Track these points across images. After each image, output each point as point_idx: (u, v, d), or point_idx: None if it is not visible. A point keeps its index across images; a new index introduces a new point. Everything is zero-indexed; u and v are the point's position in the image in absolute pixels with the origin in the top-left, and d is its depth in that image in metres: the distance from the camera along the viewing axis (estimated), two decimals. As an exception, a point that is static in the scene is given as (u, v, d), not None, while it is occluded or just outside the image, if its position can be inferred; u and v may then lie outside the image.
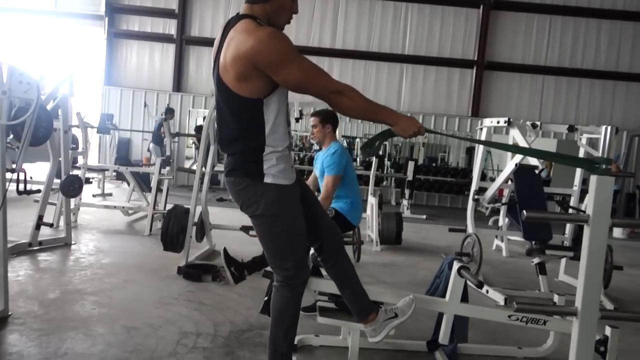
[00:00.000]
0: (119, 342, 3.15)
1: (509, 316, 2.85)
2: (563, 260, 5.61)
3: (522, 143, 5.33)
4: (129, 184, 8.42)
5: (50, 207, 5.72)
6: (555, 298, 3.23)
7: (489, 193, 5.83)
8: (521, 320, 2.82)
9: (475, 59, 13.36)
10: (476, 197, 5.76)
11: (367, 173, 9.13)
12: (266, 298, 3.27)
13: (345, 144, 12.79)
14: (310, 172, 4.44)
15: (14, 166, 4.29)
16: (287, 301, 2.44)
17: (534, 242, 4.72)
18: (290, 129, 2.43)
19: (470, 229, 5.63)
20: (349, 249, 4.75)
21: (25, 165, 4.51)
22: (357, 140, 13.70)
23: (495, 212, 8.17)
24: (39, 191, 5.28)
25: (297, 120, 6.84)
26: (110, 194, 9.69)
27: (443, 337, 3.00)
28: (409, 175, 10.38)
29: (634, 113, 13.37)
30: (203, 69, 13.64)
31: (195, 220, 5.19)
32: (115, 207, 7.43)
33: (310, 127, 4.20)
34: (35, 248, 5.20)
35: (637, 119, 13.16)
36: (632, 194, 10.27)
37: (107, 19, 13.46)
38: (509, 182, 5.78)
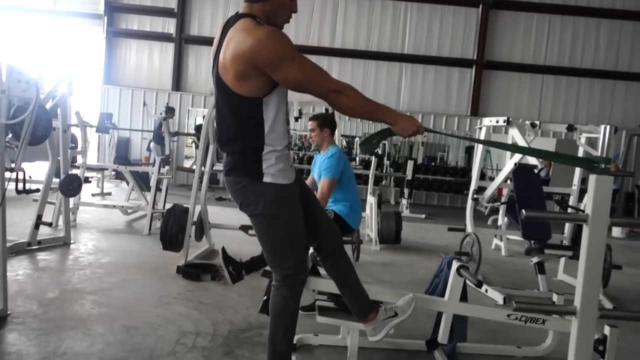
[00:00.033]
0: (118, 342, 3.15)
1: (508, 315, 2.85)
2: (562, 260, 5.61)
3: (521, 142, 5.33)
4: (128, 183, 8.41)
5: (49, 206, 5.71)
6: (554, 297, 3.23)
7: (488, 192, 5.84)
8: (520, 320, 2.82)
9: (475, 58, 13.36)
10: (475, 196, 5.76)
11: (366, 172, 9.15)
12: (265, 297, 3.27)
13: (344, 143, 12.79)
14: (309, 171, 4.44)
15: (13, 165, 4.28)
16: (286, 300, 2.44)
17: (533, 242, 4.72)
18: (289, 128, 2.43)
19: (469, 228, 5.63)
20: (348, 248, 4.75)
21: (24, 165, 4.51)
22: (357, 139, 13.70)
23: (495, 211, 8.19)
24: (38, 190, 5.27)
25: (296, 119, 6.83)
26: (110, 193, 9.70)
27: (442, 336, 3.00)
28: (408, 175, 10.38)
29: (633, 112, 13.37)
30: (202, 68, 13.63)
31: (195, 219, 5.19)
32: (114, 206, 7.42)
33: (309, 130, 4.20)
34: (34, 247, 5.20)
35: (636, 118, 13.17)
36: (631, 193, 10.28)
37: (106, 17, 13.45)
38: (508, 182, 5.78)
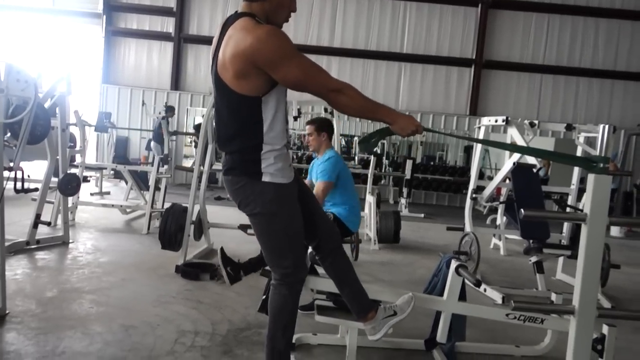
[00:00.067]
0: (117, 341, 3.14)
1: (507, 315, 2.85)
2: (560, 259, 5.62)
3: (520, 142, 5.33)
4: (126, 183, 8.41)
5: (48, 205, 5.71)
6: (553, 297, 3.23)
7: (487, 192, 5.84)
8: (519, 319, 2.82)
9: (474, 57, 13.36)
10: (474, 195, 5.77)
11: (365, 172, 9.14)
12: (264, 297, 3.27)
13: (343, 142, 12.79)
14: (308, 170, 4.44)
15: (11, 164, 4.28)
16: (285, 299, 2.44)
17: (531, 241, 4.73)
18: (288, 127, 2.43)
19: (468, 227, 5.63)
20: (347, 248, 4.75)
21: (22, 164, 4.50)
22: (355, 138, 13.71)
23: (493, 210, 8.20)
24: (36, 189, 5.27)
25: (295, 118, 6.83)
26: (108, 193, 9.69)
27: (441, 335, 3.01)
28: (407, 174, 10.39)
29: (632, 112, 13.38)
30: (201, 67, 13.62)
31: (193, 218, 5.18)
32: (113, 205, 7.41)
33: (306, 134, 4.21)
34: (32, 246, 5.19)
35: (634, 117, 13.18)
36: (629, 193, 10.31)
37: (105, 17, 13.44)
38: (507, 181, 5.79)
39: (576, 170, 6.02)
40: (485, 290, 4.31)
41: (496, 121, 5.57)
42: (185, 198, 5.64)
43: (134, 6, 13.61)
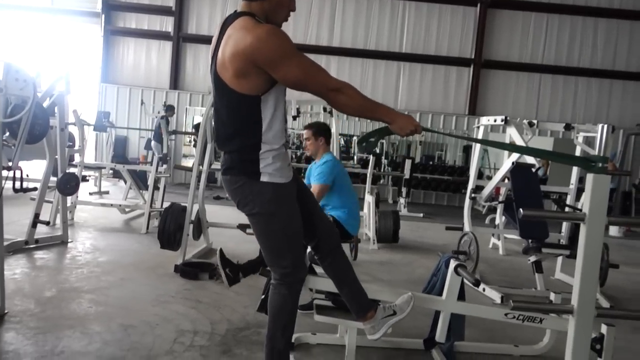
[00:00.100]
0: (116, 341, 3.14)
1: (506, 314, 2.85)
2: (559, 259, 5.63)
3: (519, 141, 5.34)
4: (125, 182, 8.40)
5: (47, 205, 5.70)
6: (552, 296, 3.23)
7: (486, 191, 5.85)
8: (517, 319, 2.82)
9: (473, 57, 13.37)
10: (473, 195, 5.77)
11: (364, 171, 9.14)
12: (263, 296, 3.27)
13: (342, 142, 12.79)
14: (307, 169, 4.45)
15: (10, 164, 4.27)
16: (285, 299, 2.44)
17: (530, 241, 4.73)
18: (287, 127, 2.43)
19: (467, 227, 5.64)
20: (346, 247, 4.74)
21: (21, 163, 4.49)
22: (354, 138, 13.71)
23: (492, 210, 8.20)
24: (35, 189, 5.27)
25: (294, 118, 6.84)
26: (107, 192, 9.68)
27: (440, 335, 3.01)
28: (406, 174, 10.39)
29: (631, 112, 13.40)
30: (200, 67, 13.61)
31: (193, 218, 5.18)
32: (112, 205, 7.41)
33: (304, 139, 4.22)
34: (31, 246, 5.19)
35: (633, 117, 13.19)
36: (628, 193, 10.31)
37: (103, 16, 13.43)
38: (506, 181, 5.80)
39: (575, 170, 6.03)
40: (484, 289, 4.32)
41: (495, 121, 5.57)
42: (185, 197, 5.63)
43: (133, 5, 13.60)
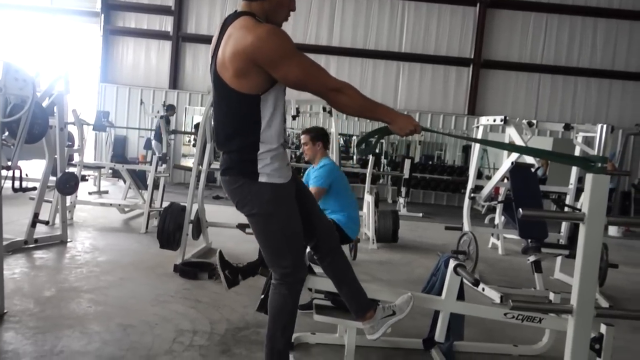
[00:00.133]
0: (115, 340, 3.14)
1: (505, 314, 2.85)
2: (559, 259, 5.63)
3: (519, 141, 5.34)
4: (125, 182, 8.40)
5: (46, 204, 5.70)
6: (551, 296, 3.24)
7: (485, 191, 5.85)
8: (517, 318, 2.83)
9: (472, 57, 13.37)
10: (472, 195, 5.77)
11: (363, 171, 9.14)
12: (262, 296, 3.27)
13: (341, 141, 12.79)
14: (306, 169, 4.46)
15: (9, 163, 4.27)
16: (285, 299, 2.44)
17: (529, 240, 4.73)
18: (286, 127, 2.43)
19: (466, 227, 5.64)
20: (345, 247, 4.75)
21: (20, 163, 4.50)
22: (354, 137, 13.71)
23: (491, 210, 8.20)
24: (34, 189, 5.27)
25: (293, 117, 6.83)
26: (106, 192, 9.68)
27: (439, 334, 3.01)
28: (406, 173, 10.39)
29: (630, 112, 13.41)
30: (199, 66, 13.61)
31: (192, 217, 5.18)
32: (111, 204, 7.41)
33: (302, 144, 4.23)
34: (31, 246, 5.18)
35: (632, 117, 13.20)
36: (627, 193, 10.32)
37: (103, 15, 13.43)
38: (505, 181, 5.80)
39: (574, 169, 6.03)
40: (483, 289, 4.33)
41: (494, 121, 5.57)
42: (184, 197, 5.63)
43: (132, 5, 13.60)
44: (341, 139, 12.85)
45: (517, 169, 5.20)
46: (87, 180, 7.77)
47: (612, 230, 9.48)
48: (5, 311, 3.39)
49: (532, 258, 4.84)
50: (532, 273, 4.93)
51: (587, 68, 13.36)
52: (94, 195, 9.04)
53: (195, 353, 3.06)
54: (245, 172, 2.29)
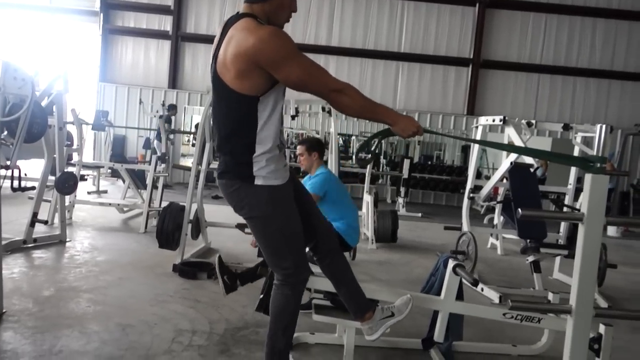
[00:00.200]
0: (114, 340, 3.14)
1: (504, 314, 2.86)
2: (557, 259, 5.63)
3: (518, 141, 5.34)
4: (124, 181, 8.39)
5: (45, 204, 5.70)
6: (550, 296, 3.24)
7: (484, 191, 5.85)
8: (516, 318, 2.83)
9: (471, 57, 13.37)
10: (471, 195, 5.77)
11: (362, 171, 9.14)
12: (262, 295, 3.27)
13: (341, 141, 12.79)
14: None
15: (8, 163, 4.27)
16: (287, 299, 2.44)
17: (528, 240, 4.73)
18: (283, 129, 2.43)
19: (465, 227, 5.64)
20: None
21: (19, 162, 4.49)
22: (353, 137, 13.71)
23: (491, 210, 8.21)
24: (33, 188, 5.26)
25: (292, 117, 6.83)
26: (105, 191, 9.67)
27: (438, 334, 3.01)
28: (405, 173, 10.40)
29: (629, 112, 13.42)
30: (199, 66, 13.60)
31: (191, 217, 5.18)
32: (110, 204, 7.40)
33: (298, 155, 4.26)
34: (29, 245, 5.18)
35: (631, 117, 13.21)
36: (626, 193, 10.31)
37: (102, 15, 13.41)
38: (504, 181, 5.80)
39: (573, 170, 6.04)
40: (482, 289, 4.33)
41: (493, 121, 5.58)
42: (183, 197, 5.63)
43: (132, 4, 13.58)
44: (340, 138, 12.86)
45: (516, 169, 5.21)
46: (86, 179, 7.76)
47: (611, 231, 9.49)
48: (4, 311, 3.38)
49: (531, 258, 4.84)
50: (531, 273, 4.94)
51: (586, 68, 13.37)
52: (93, 194, 9.03)
53: (194, 353, 3.06)
54: (242, 176, 2.29)
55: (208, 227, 5.80)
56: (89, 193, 9.01)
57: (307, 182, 4.09)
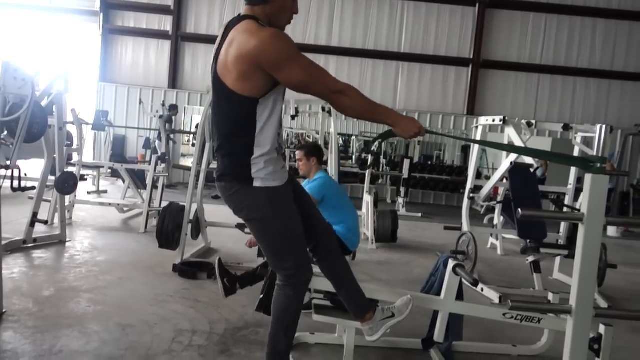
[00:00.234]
0: (114, 340, 3.14)
1: (504, 314, 2.86)
2: (557, 259, 5.63)
3: (518, 142, 5.34)
4: (124, 181, 8.39)
5: (45, 204, 5.70)
6: (550, 296, 3.24)
7: (484, 191, 5.85)
8: (516, 319, 2.83)
9: (471, 57, 13.37)
10: (471, 195, 5.78)
11: (362, 171, 9.14)
12: (262, 295, 3.27)
13: (341, 141, 12.79)
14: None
15: (8, 163, 4.27)
16: (290, 300, 2.44)
17: (528, 241, 4.73)
18: (281, 132, 2.43)
19: (465, 227, 5.64)
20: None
21: (19, 162, 4.49)
22: (353, 137, 13.71)
23: (491, 210, 8.21)
24: (33, 188, 5.26)
25: (292, 117, 6.82)
26: (105, 191, 9.67)
27: (438, 335, 3.01)
28: (405, 174, 10.39)
29: (629, 112, 13.42)
30: (199, 66, 13.60)
31: (191, 217, 5.18)
32: (110, 204, 7.40)
33: (296, 160, 4.27)
34: (29, 245, 5.18)
35: (631, 117, 13.21)
36: (626, 193, 10.31)
37: (102, 15, 13.41)
38: (504, 181, 5.80)
39: (573, 170, 6.04)
40: (482, 289, 4.33)
41: (493, 121, 5.58)
42: (183, 197, 5.63)
43: (132, 4, 13.58)
44: (340, 139, 12.86)
45: (516, 169, 5.21)
46: (86, 179, 7.76)
47: (611, 231, 9.49)
48: (4, 311, 3.38)
49: (531, 258, 4.84)
50: (531, 273, 4.94)
51: (586, 68, 13.37)
52: (93, 194, 9.03)
53: (194, 353, 3.06)
54: (240, 178, 2.29)
55: (208, 227, 5.80)
56: (89, 193, 9.01)
57: (306, 187, 4.10)
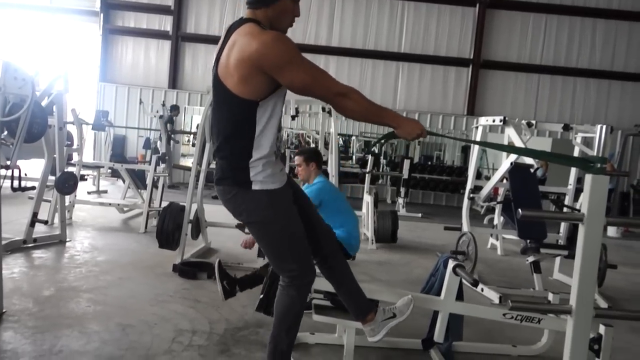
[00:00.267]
0: (114, 340, 3.14)
1: (504, 314, 2.86)
2: (557, 259, 5.63)
3: (518, 142, 5.34)
4: (124, 181, 8.39)
5: (45, 204, 5.70)
6: (550, 296, 3.24)
7: (484, 192, 5.85)
8: (516, 319, 2.83)
9: (471, 57, 13.38)
10: (471, 195, 5.78)
11: (362, 171, 9.14)
12: (262, 296, 3.28)
13: (341, 142, 12.79)
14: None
15: (8, 163, 4.27)
16: (293, 300, 2.43)
17: (528, 241, 4.73)
18: (280, 135, 2.43)
19: (465, 227, 5.64)
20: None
21: (19, 162, 4.49)
22: (353, 138, 13.71)
23: (491, 210, 8.21)
24: (33, 188, 5.26)
25: (292, 118, 6.83)
26: (105, 191, 9.67)
27: (438, 335, 3.01)
28: (405, 174, 10.40)
29: (629, 112, 13.43)
30: (199, 66, 13.61)
31: (191, 217, 5.18)
32: (110, 204, 7.40)
33: (296, 165, 4.27)
34: (29, 245, 5.18)
35: (631, 118, 13.22)
36: (626, 193, 10.32)
37: (102, 15, 13.42)
38: (504, 181, 5.80)
39: (573, 170, 6.04)
40: (482, 290, 4.33)
41: (494, 121, 5.58)
42: (183, 197, 5.63)
43: (132, 4, 13.59)
44: (340, 139, 12.86)
45: (517, 170, 5.21)
46: (86, 179, 7.76)
47: (611, 231, 9.49)
48: (4, 310, 3.38)
49: (531, 258, 4.84)
50: (531, 273, 4.94)
51: (586, 69, 13.38)
52: (93, 194, 9.03)
53: (194, 353, 3.06)
54: (239, 181, 2.29)
55: (208, 227, 5.80)
56: (89, 193, 9.01)
57: (305, 191, 4.10)
